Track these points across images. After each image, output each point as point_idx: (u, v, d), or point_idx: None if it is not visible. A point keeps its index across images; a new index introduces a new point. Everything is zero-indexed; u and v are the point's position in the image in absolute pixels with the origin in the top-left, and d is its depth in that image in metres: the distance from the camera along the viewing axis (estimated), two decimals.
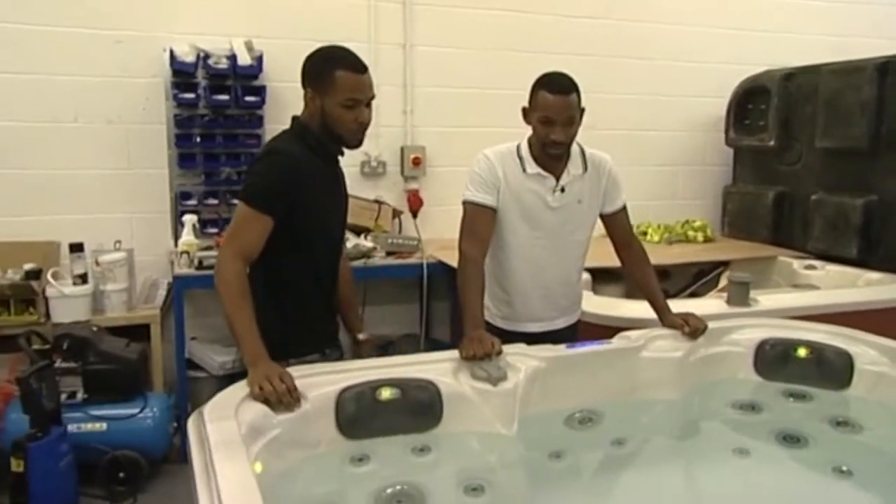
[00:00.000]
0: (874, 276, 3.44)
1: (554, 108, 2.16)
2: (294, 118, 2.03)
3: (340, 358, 2.15)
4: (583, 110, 2.23)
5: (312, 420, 1.71)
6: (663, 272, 3.91)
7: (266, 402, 1.65)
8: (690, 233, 4.29)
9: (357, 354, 2.26)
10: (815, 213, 3.91)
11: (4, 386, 3.11)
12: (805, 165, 4.08)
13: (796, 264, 3.79)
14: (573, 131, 2.21)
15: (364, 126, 1.95)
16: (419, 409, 1.82)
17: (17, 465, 2.61)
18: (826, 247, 3.85)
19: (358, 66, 1.92)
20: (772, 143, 4.16)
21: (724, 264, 3.83)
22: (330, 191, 2.06)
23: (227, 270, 1.86)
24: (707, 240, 4.27)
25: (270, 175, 1.91)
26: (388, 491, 1.67)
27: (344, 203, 2.17)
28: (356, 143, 1.99)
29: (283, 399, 1.65)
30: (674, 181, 4.70)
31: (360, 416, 1.77)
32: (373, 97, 1.96)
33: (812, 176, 4.03)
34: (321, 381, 1.78)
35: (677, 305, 2.41)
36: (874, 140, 3.63)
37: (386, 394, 1.81)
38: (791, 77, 4.11)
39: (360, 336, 2.30)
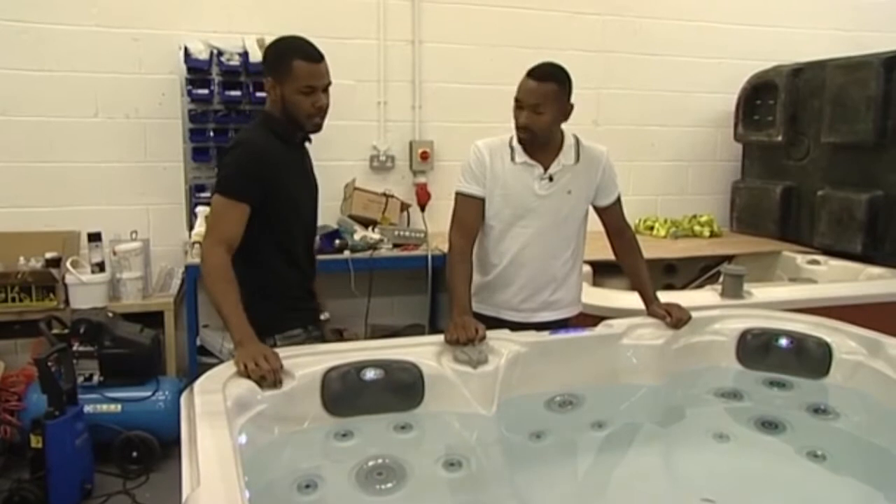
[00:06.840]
0: (875, 270, 3.45)
1: (523, 91, 2.22)
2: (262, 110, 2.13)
3: (321, 336, 2.22)
4: (570, 105, 2.26)
5: (299, 397, 1.79)
6: (670, 266, 3.95)
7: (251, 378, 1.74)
8: (697, 227, 4.31)
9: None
10: (822, 208, 3.91)
11: (27, 369, 3.26)
12: (812, 161, 4.08)
13: (800, 259, 3.80)
14: (542, 119, 2.21)
15: (321, 110, 2.04)
16: (402, 389, 1.90)
17: (36, 442, 2.74)
18: (832, 242, 3.85)
19: (314, 55, 2.01)
20: (779, 138, 4.16)
21: (730, 259, 3.84)
22: (299, 175, 2.13)
23: (210, 258, 1.94)
24: (713, 234, 4.29)
25: (239, 165, 1.99)
26: (370, 464, 1.76)
27: (314, 188, 2.24)
28: (314, 128, 2.08)
29: (267, 377, 1.74)
30: (683, 176, 4.72)
31: (344, 394, 1.85)
32: (329, 84, 2.05)
33: (819, 171, 4.03)
34: (308, 361, 1.87)
35: (674, 297, 2.45)
36: (880, 135, 3.63)
37: (370, 374, 1.89)
38: (799, 72, 4.10)
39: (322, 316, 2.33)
